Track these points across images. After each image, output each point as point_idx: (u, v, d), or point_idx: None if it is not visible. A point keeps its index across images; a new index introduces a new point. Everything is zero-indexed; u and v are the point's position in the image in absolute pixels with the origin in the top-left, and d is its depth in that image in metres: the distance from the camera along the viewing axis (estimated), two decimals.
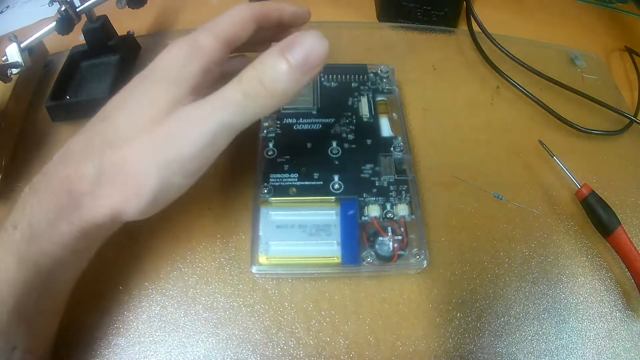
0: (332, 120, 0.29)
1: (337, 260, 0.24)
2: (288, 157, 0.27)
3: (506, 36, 0.36)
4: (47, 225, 0.19)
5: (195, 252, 0.26)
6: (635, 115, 0.33)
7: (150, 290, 0.24)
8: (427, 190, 0.28)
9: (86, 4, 0.31)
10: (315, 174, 0.27)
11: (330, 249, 0.24)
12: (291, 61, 0.18)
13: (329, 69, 0.32)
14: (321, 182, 0.26)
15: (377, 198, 0.26)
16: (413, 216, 0.25)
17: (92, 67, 0.33)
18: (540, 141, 0.29)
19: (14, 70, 0.30)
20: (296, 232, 0.25)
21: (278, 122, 0.29)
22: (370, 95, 0.31)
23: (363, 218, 0.25)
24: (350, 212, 0.25)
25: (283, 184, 0.26)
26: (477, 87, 0.35)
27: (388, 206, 0.26)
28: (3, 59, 0.30)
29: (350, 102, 0.31)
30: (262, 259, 0.24)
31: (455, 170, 0.29)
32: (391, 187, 0.26)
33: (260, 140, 0.28)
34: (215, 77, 0.22)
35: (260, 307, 0.24)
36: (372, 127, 0.29)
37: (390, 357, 0.23)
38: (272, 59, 0.18)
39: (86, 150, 0.20)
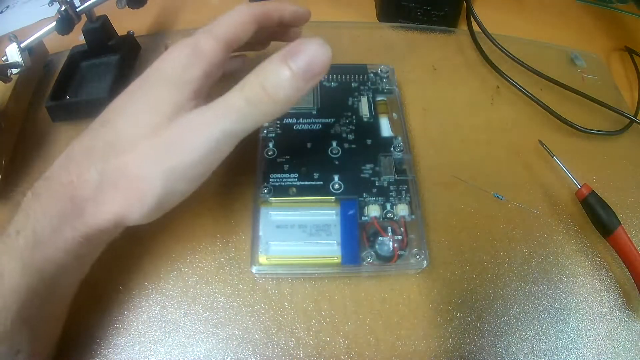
0: (332, 120, 0.29)
1: (337, 260, 0.24)
2: (288, 157, 0.27)
3: (506, 36, 0.36)
4: (51, 232, 0.19)
5: (195, 252, 0.26)
6: (635, 115, 0.33)
7: (150, 290, 0.24)
8: (427, 190, 0.28)
9: (86, 4, 0.31)
10: (315, 174, 0.27)
11: (330, 249, 0.24)
12: (294, 68, 0.18)
13: (329, 69, 0.32)
14: (321, 182, 0.26)
15: (377, 198, 0.26)
16: (413, 216, 0.25)
17: (92, 67, 0.33)
18: (540, 141, 0.29)
19: (14, 70, 0.30)
20: (296, 232, 0.25)
21: (278, 122, 0.29)
22: (370, 95, 0.31)
23: (363, 218, 0.25)
24: (350, 212, 0.25)
25: (283, 184, 0.26)
26: (477, 87, 0.35)
27: (388, 206, 0.26)
28: (3, 59, 0.30)
29: (350, 102, 0.31)
30: (262, 259, 0.24)
31: (455, 170, 0.29)
32: (391, 187, 0.26)
33: (260, 140, 0.28)
34: (216, 79, 0.22)
35: (260, 307, 0.24)
36: (372, 127, 0.29)
37: (390, 357, 0.23)
38: (275, 65, 0.18)
39: (88, 156, 0.20)
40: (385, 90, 0.32)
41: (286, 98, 0.19)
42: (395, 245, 0.24)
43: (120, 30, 0.34)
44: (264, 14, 0.23)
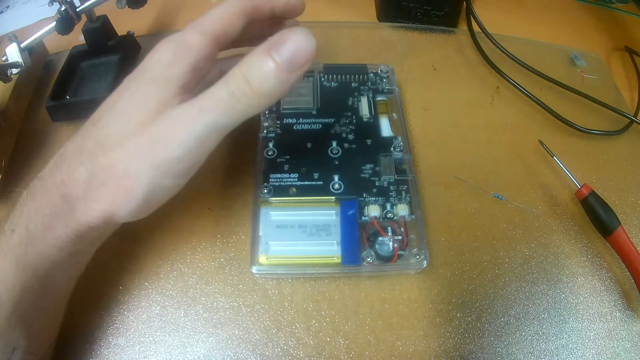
0: (332, 120, 0.29)
1: (337, 260, 0.24)
2: (288, 157, 0.27)
3: (506, 36, 0.36)
4: (44, 229, 0.19)
5: (195, 252, 0.26)
6: (635, 115, 0.33)
7: (150, 290, 0.24)
8: (427, 190, 0.28)
9: (86, 4, 0.31)
10: (315, 174, 0.27)
11: (330, 249, 0.24)
12: (277, 60, 0.18)
13: (329, 69, 0.32)
14: (321, 182, 0.26)
15: (377, 198, 0.26)
16: (413, 216, 0.25)
17: (92, 67, 0.33)
18: (540, 141, 0.29)
19: (14, 70, 0.30)
20: (296, 232, 0.25)
21: (278, 122, 0.29)
22: (370, 95, 0.31)
23: (363, 218, 0.25)
24: (350, 212, 0.25)
25: (283, 184, 0.26)
26: (477, 87, 0.35)
27: (388, 206, 0.26)
28: (3, 59, 0.30)
29: (350, 102, 0.31)
30: (262, 259, 0.24)
31: (455, 170, 0.29)
32: (391, 187, 0.26)
33: (260, 140, 0.28)
34: (205, 73, 0.21)
35: (260, 307, 0.24)
36: (372, 127, 0.29)
37: (390, 357, 0.23)
38: (258, 58, 0.18)
39: (78, 154, 0.20)
40: (385, 90, 0.32)
41: (270, 90, 0.19)
42: (395, 245, 0.24)
43: (120, 31, 0.34)
44: (254, 6, 0.23)
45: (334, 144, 0.28)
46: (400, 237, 0.25)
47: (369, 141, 0.29)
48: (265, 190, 0.26)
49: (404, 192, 0.26)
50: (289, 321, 0.24)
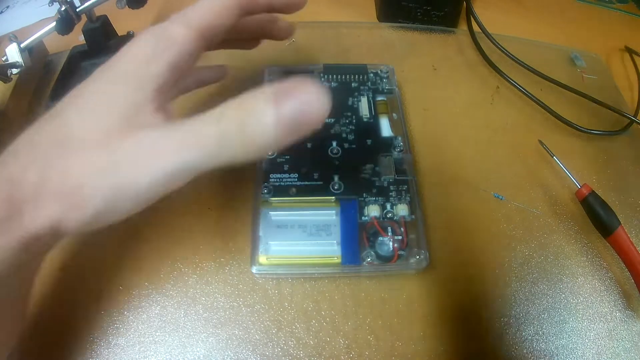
0: (332, 120, 0.29)
1: (337, 260, 0.24)
2: (288, 157, 0.27)
3: (506, 36, 0.36)
4: None
5: (196, 252, 0.26)
6: (635, 115, 0.33)
7: (150, 290, 0.24)
8: (427, 190, 0.28)
9: (86, 4, 0.31)
10: (315, 174, 0.27)
11: (330, 249, 0.24)
12: (281, 113, 0.15)
13: (329, 69, 0.32)
14: (321, 182, 0.26)
15: (377, 198, 0.26)
16: (413, 216, 0.25)
17: (92, 67, 0.32)
18: (540, 141, 0.29)
19: (14, 70, 0.30)
20: (296, 232, 0.25)
21: None
22: (370, 95, 0.31)
23: (363, 218, 0.25)
24: (351, 212, 0.25)
25: (283, 184, 0.26)
26: (477, 87, 0.35)
27: (388, 206, 0.26)
28: (3, 59, 0.30)
29: (350, 102, 0.31)
30: (262, 259, 0.24)
31: (455, 170, 0.29)
32: (391, 187, 0.26)
33: None
34: (185, 73, 0.19)
35: (260, 307, 0.24)
36: (372, 127, 0.29)
37: (390, 357, 0.23)
38: (261, 105, 0.16)
39: (32, 150, 0.17)
40: (385, 90, 0.32)
41: (265, 145, 0.16)
42: (395, 245, 0.24)
43: (121, 31, 0.34)
44: None
45: (334, 144, 0.28)
46: (400, 237, 0.25)
47: (369, 141, 0.29)
48: (265, 190, 0.26)
49: (403, 192, 0.26)
50: (289, 321, 0.24)
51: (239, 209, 0.27)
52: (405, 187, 0.26)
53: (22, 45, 0.30)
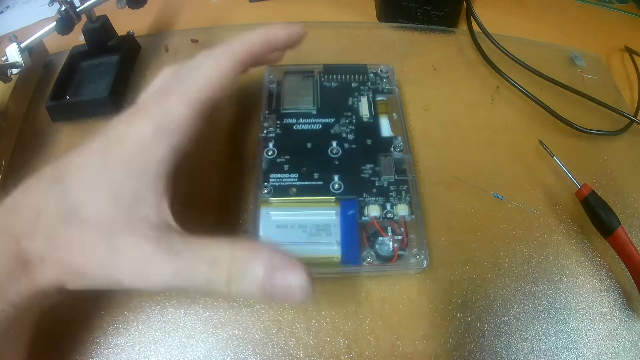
0: (332, 120, 0.29)
1: (337, 260, 0.24)
2: (288, 157, 0.27)
3: (506, 36, 0.36)
4: None
5: None
6: (635, 115, 0.33)
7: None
8: (427, 190, 0.28)
9: (86, 4, 0.31)
10: (315, 174, 0.27)
11: (330, 249, 0.24)
12: (267, 287, 0.16)
13: (329, 69, 0.32)
14: (321, 182, 0.26)
15: (377, 198, 0.26)
16: (413, 216, 0.25)
17: (92, 67, 0.33)
18: (540, 141, 0.29)
19: (14, 70, 0.30)
20: (296, 232, 0.25)
21: (278, 122, 0.29)
22: (370, 95, 0.31)
23: (363, 218, 0.25)
24: (350, 212, 0.25)
25: (283, 184, 0.26)
26: (477, 87, 0.35)
27: (388, 206, 0.26)
28: (3, 59, 0.30)
29: (350, 102, 0.31)
30: None
31: (455, 170, 0.29)
32: (391, 187, 0.26)
33: (260, 140, 0.28)
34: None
35: (260, 307, 0.24)
36: (372, 127, 0.29)
37: (390, 357, 0.23)
38: (252, 270, 0.16)
39: (35, 215, 0.18)
40: (385, 90, 0.32)
41: (238, 296, 0.17)
42: (395, 245, 0.24)
43: (120, 31, 0.34)
44: (249, 53, 0.20)
45: (334, 144, 0.28)
46: (400, 237, 0.25)
47: (369, 141, 0.29)
48: (265, 190, 0.26)
49: (404, 192, 0.26)
50: (289, 321, 0.24)
51: (239, 209, 0.27)
52: (405, 187, 0.26)
53: (22, 45, 0.30)
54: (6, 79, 0.29)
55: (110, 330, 0.23)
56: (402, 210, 0.25)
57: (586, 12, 0.43)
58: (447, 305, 0.25)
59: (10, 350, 0.19)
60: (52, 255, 0.17)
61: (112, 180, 0.18)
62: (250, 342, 0.23)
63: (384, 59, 0.34)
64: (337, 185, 0.26)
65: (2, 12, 0.41)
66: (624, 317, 0.25)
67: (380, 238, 0.25)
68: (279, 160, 0.27)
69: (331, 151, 0.28)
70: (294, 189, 0.26)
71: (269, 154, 0.28)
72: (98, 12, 0.32)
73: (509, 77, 0.34)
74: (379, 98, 0.31)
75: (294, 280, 0.16)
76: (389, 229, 0.25)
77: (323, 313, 0.24)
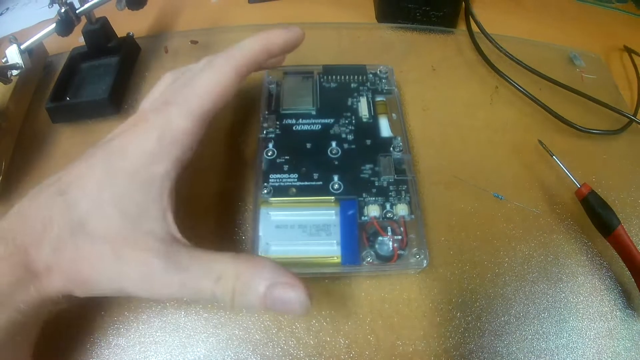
0: (332, 120, 0.29)
1: (337, 260, 0.24)
2: (288, 157, 0.28)
3: (505, 36, 0.36)
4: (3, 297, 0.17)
5: None
6: (635, 115, 0.33)
7: None
8: (426, 190, 0.28)
9: (86, 6, 0.31)
10: (315, 174, 0.27)
11: (330, 249, 0.24)
12: (269, 301, 0.17)
13: (329, 70, 0.32)
14: (321, 182, 0.26)
15: (376, 198, 0.26)
16: (413, 216, 0.25)
17: (92, 69, 0.33)
18: (540, 141, 0.29)
19: (14, 72, 0.30)
20: (296, 232, 0.25)
21: (277, 122, 0.29)
22: (370, 96, 0.31)
23: (363, 218, 0.25)
24: (350, 212, 0.25)
25: (283, 184, 0.26)
26: (477, 87, 0.35)
27: (388, 206, 0.26)
28: (3, 60, 0.30)
29: (349, 103, 0.31)
30: None
31: (455, 170, 0.29)
32: (391, 187, 0.26)
33: (260, 140, 0.28)
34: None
35: None
36: (372, 128, 0.29)
37: (390, 356, 0.23)
38: (256, 286, 0.17)
39: (43, 226, 0.18)
40: (384, 91, 0.32)
41: (241, 308, 0.19)
42: (395, 245, 0.24)
43: (120, 32, 0.34)
44: (249, 61, 0.21)
45: (334, 144, 0.28)
46: (400, 237, 0.25)
47: (368, 141, 0.29)
48: (265, 191, 0.26)
49: (403, 192, 0.26)
50: (289, 321, 0.24)
51: (239, 209, 0.27)
52: (404, 187, 0.26)
53: (22, 47, 0.30)
54: (6, 80, 0.30)
55: (110, 330, 0.23)
56: (401, 210, 0.25)
57: (585, 11, 0.43)
58: (447, 305, 0.25)
59: (16, 355, 0.19)
60: (60, 265, 0.18)
61: (117, 193, 0.18)
62: (250, 342, 0.23)
63: (383, 60, 0.34)
64: (336, 185, 0.26)
65: (2, 13, 0.41)
66: (624, 316, 0.25)
67: (380, 238, 0.25)
68: (278, 160, 0.27)
69: (331, 151, 0.28)
70: (294, 189, 0.26)
71: (269, 154, 0.28)
72: (98, 13, 0.32)
73: (508, 77, 0.34)
74: (379, 98, 0.31)
75: (294, 295, 0.17)
76: (389, 228, 0.25)
77: (323, 313, 0.24)
